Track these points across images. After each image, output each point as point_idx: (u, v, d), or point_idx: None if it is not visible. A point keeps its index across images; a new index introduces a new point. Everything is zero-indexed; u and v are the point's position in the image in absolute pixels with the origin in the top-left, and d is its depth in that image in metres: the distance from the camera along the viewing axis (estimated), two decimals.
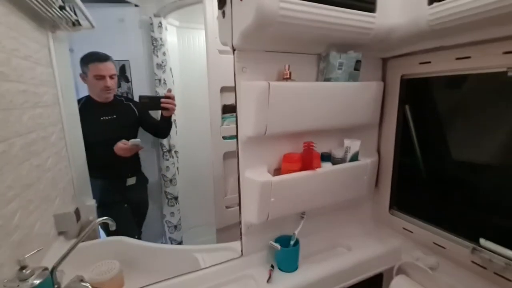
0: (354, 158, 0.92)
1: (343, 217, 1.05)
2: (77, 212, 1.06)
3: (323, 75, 0.85)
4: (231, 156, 1.60)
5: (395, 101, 0.96)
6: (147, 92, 1.77)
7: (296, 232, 0.86)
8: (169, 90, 1.52)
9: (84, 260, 0.93)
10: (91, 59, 1.36)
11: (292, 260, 0.85)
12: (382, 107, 0.96)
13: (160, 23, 1.66)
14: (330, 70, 0.82)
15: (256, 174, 0.78)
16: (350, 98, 0.86)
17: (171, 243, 1.88)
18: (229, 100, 1.56)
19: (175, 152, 1.85)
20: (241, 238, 0.86)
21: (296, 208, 0.86)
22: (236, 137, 0.80)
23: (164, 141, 1.78)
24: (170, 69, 1.77)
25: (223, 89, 1.50)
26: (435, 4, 0.68)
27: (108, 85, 1.39)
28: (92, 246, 1.03)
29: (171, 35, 1.85)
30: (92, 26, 1.19)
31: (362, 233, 1.05)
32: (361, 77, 0.87)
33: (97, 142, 1.36)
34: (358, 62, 0.85)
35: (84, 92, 1.48)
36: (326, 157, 0.89)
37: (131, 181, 1.54)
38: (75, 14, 1.12)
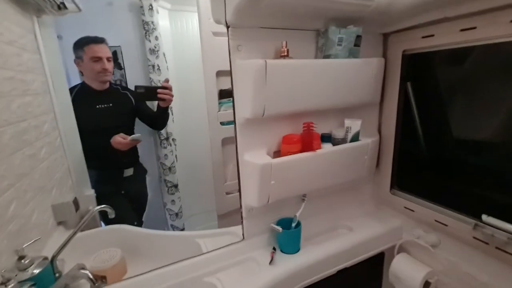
0: (355, 138, 0.90)
1: (344, 198, 1.04)
2: (75, 202, 1.04)
3: (322, 52, 0.81)
4: (230, 142, 1.58)
5: (397, 78, 0.93)
6: (141, 78, 1.72)
7: (297, 214, 0.85)
8: (167, 80, 1.46)
9: (86, 249, 0.93)
10: (87, 41, 1.32)
11: (293, 242, 0.85)
12: (383, 84, 0.94)
13: (151, 5, 1.60)
14: (329, 46, 0.79)
15: (255, 157, 0.77)
16: (350, 76, 0.83)
17: (173, 231, 1.89)
18: (226, 85, 1.52)
19: (173, 139, 1.83)
20: (242, 222, 0.85)
21: (297, 190, 0.85)
22: (233, 120, 0.78)
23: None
24: (164, 54, 1.71)
25: (219, 73, 1.46)
26: None
27: (106, 67, 1.34)
28: (93, 235, 1.03)
29: (163, 18, 1.78)
30: (79, 9, 1.13)
31: (363, 213, 1.04)
32: (361, 54, 0.84)
33: (93, 131, 1.32)
34: (358, 37, 0.81)
35: (76, 80, 1.43)
36: (327, 137, 0.87)
37: (129, 172, 1.50)
38: None
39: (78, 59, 1.34)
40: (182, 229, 1.94)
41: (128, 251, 0.94)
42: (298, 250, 0.85)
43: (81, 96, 1.35)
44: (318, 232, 0.95)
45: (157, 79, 1.68)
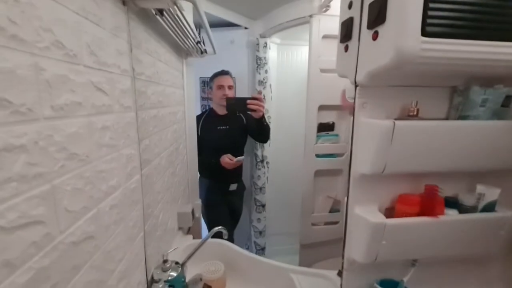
0: (490, 208, 0.77)
1: (463, 272, 0.89)
2: (192, 211, 1.25)
3: (458, 112, 0.75)
4: (322, 174, 1.58)
5: None
6: None
7: (405, 280, 0.79)
8: (259, 92, 1.66)
9: (194, 256, 1.10)
10: (216, 74, 1.68)
11: None
12: None
13: (265, 43, 1.79)
14: (469, 107, 0.72)
15: (367, 213, 0.76)
16: (491, 139, 0.73)
17: (255, 247, 2.00)
18: (325, 119, 1.55)
19: (267, 162, 1.96)
20: (341, 273, 0.85)
21: (409, 254, 0.79)
22: (348, 171, 0.79)
23: (258, 152, 1.91)
24: (270, 85, 1.88)
25: (321, 108, 1.50)
26: None
27: (226, 93, 1.63)
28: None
29: (272, 51, 1.97)
30: (215, 53, 1.38)
31: None
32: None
33: (212, 148, 1.61)
34: (508, 97, 0.71)
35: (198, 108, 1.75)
36: (451, 202, 0.78)
37: (233, 186, 1.73)
38: (204, 44, 1.32)
39: (209, 90, 1.69)
40: (263, 247, 2.03)
41: (226, 266, 1.05)
42: None
43: (208, 119, 1.68)
44: None
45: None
